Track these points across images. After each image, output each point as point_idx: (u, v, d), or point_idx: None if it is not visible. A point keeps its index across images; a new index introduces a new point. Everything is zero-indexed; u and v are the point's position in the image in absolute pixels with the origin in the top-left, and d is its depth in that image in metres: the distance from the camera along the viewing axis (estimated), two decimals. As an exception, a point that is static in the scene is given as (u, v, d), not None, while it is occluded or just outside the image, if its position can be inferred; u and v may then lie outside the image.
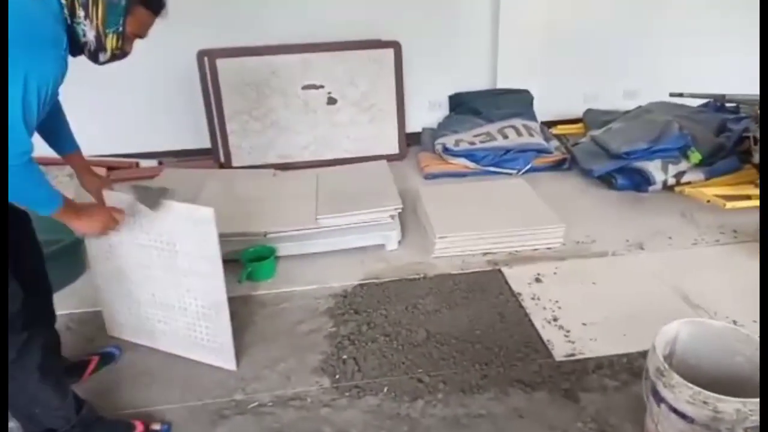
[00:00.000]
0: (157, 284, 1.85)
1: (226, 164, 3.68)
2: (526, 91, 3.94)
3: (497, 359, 1.90)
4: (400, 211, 2.72)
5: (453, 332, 2.05)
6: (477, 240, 2.56)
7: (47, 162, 3.16)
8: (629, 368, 1.83)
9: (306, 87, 3.62)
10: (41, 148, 1.65)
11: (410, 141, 3.92)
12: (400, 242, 2.67)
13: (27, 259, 1.53)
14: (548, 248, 2.60)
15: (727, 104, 3.56)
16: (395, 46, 3.64)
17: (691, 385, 1.29)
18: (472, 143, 3.53)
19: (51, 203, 1.35)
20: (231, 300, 1.80)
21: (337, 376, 1.85)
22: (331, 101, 3.68)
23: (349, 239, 2.59)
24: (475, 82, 4.01)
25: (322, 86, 3.64)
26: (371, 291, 2.33)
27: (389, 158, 3.57)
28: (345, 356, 1.94)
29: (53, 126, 1.58)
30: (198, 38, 3.49)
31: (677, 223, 2.81)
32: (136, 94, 3.65)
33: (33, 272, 1.58)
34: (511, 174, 3.43)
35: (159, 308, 1.89)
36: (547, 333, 2.03)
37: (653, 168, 3.07)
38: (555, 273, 2.41)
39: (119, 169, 3.62)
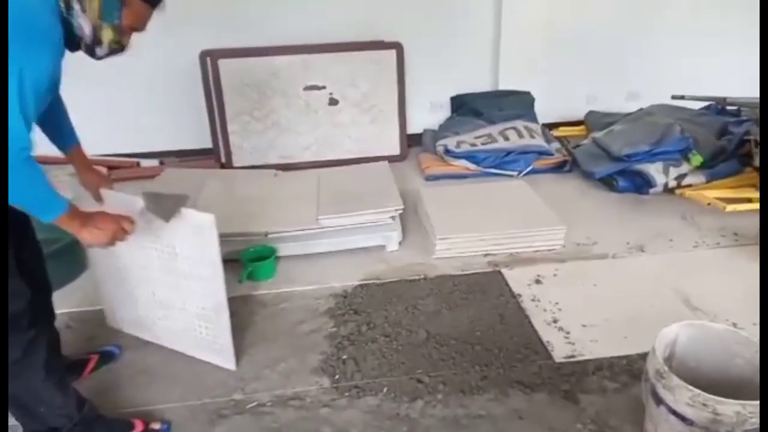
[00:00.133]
0: (156, 284, 1.85)
1: (227, 164, 3.69)
2: (528, 93, 3.94)
3: (497, 360, 1.90)
4: (401, 212, 2.72)
5: (453, 333, 2.05)
6: (477, 241, 2.57)
7: (48, 161, 3.17)
8: (629, 370, 1.83)
9: (308, 88, 3.63)
10: (41, 146, 1.66)
11: (411, 142, 3.92)
12: (400, 243, 2.67)
13: (28, 259, 1.51)
14: (549, 250, 2.60)
15: (729, 107, 3.56)
16: (397, 47, 3.64)
17: (690, 387, 1.29)
18: (474, 145, 3.53)
19: (53, 208, 1.28)
20: (231, 300, 1.80)
21: (337, 377, 1.85)
22: (333, 102, 3.68)
23: (350, 240, 2.60)
24: (477, 83, 4.01)
25: (323, 87, 3.64)
26: (371, 291, 2.33)
27: (390, 159, 3.57)
28: (345, 356, 1.94)
29: (53, 118, 1.57)
30: (200, 39, 3.50)
31: (678, 225, 2.81)
32: (138, 94, 3.66)
33: (33, 271, 1.57)
34: (512, 176, 3.43)
35: (159, 307, 1.90)
36: (547, 334, 2.02)
37: (654, 170, 3.07)
38: (555, 275, 2.41)
39: (120, 168, 3.62)
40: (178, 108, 3.74)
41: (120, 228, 1.45)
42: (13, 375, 1.35)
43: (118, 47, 1.39)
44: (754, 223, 2.66)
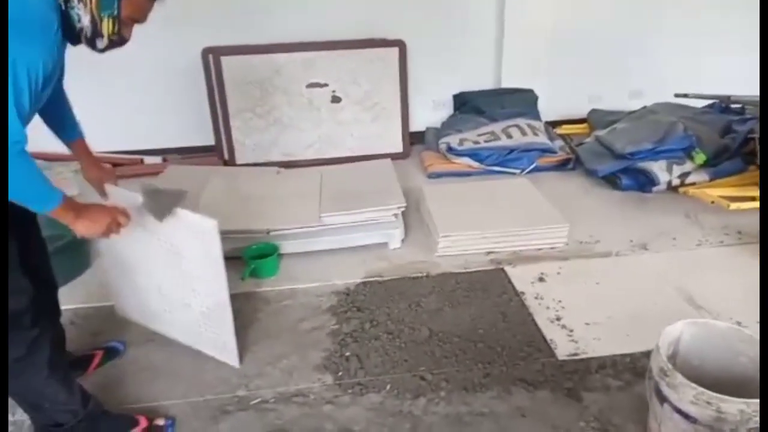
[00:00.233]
0: (162, 279, 1.85)
1: (230, 161, 3.69)
2: (531, 91, 3.93)
3: (500, 358, 1.90)
4: (403, 209, 2.72)
5: (455, 331, 2.05)
6: (480, 239, 2.56)
7: (51, 158, 3.20)
8: (632, 368, 1.83)
9: (310, 85, 3.63)
10: (45, 143, 1.67)
11: (414, 140, 3.92)
12: (403, 241, 2.67)
13: (32, 256, 1.52)
14: (552, 248, 2.59)
15: (733, 105, 3.55)
16: (400, 44, 3.64)
17: (694, 385, 1.29)
18: (476, 142, 3.52)
19: (47, 200, 1.28)
20: (234, 297, 1.80)
21: (340, 374, 1.86)
22: (336, 100, 3.68)
23: (353, 237, 2.60)
24: (480, 81, 4.01)
25: (326, 84, 3.64)
26: (374, 289, 2.33)
27: (393, 157, 3.56)
28: (348, 353, 1.95)
29: (56, 112, 1.57)
30: (203, 36, 3.50)
31: (681, 223, 2.81)
32: (141, 91, 3.67)
33: (38, 268, 1.57)
34: (515, 173, 3.43)
35: (164, 301, 1.90)
36: (550, 332, 2.02)
37: (658, 168, 3.07)
38: (558, 273, 2.41)
39: (123, 165, 3.63)
40: (181, 105, 3.74)
41: (114, 220, 1.46)
42: (17, 373, 1.35)
43: (119, 39, 1.37)
44: (757, 222, 2.64)
